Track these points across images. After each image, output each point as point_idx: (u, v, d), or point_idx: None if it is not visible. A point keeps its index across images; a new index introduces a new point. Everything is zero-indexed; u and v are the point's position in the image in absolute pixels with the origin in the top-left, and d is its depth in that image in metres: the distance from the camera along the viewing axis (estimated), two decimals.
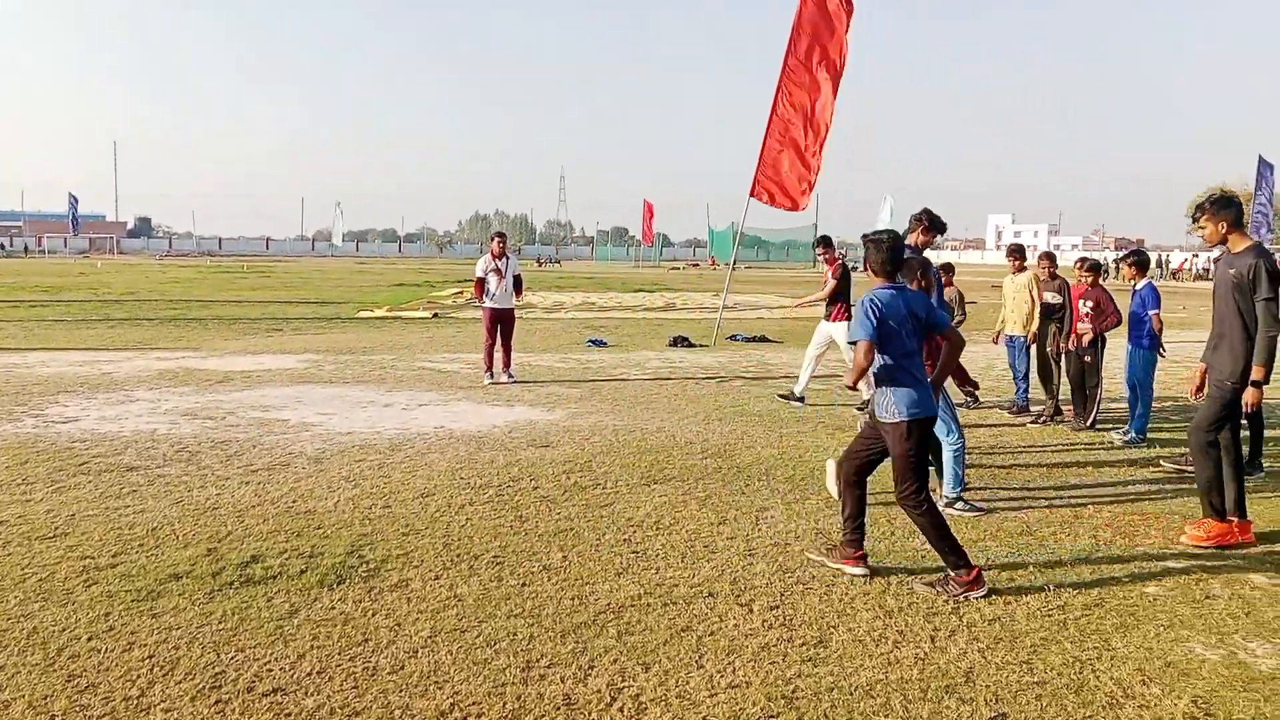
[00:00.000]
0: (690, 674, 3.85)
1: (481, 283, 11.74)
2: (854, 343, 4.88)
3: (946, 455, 6.30)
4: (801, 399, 10.34)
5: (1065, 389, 9.61)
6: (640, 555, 5.26)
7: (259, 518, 5.81)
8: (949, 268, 9.71)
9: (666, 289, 38.49)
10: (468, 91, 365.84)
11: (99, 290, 30.72)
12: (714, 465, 7.40)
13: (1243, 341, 5.62)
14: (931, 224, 6.93)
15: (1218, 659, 4.09)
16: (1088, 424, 9.11)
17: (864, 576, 4.94)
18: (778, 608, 4.55)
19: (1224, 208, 5.73)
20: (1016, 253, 10.45)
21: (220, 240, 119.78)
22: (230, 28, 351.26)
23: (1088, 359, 9.14)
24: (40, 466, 6.97)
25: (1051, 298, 9.70)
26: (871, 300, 4.87)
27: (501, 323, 11.69)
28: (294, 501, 6.19)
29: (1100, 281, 9.32)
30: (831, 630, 4.30)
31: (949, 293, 9.92)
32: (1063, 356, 9.54)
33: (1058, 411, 9.58)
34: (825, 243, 11.18)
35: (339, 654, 3.96)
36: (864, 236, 5.22)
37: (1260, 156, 35.37)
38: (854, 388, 5.38)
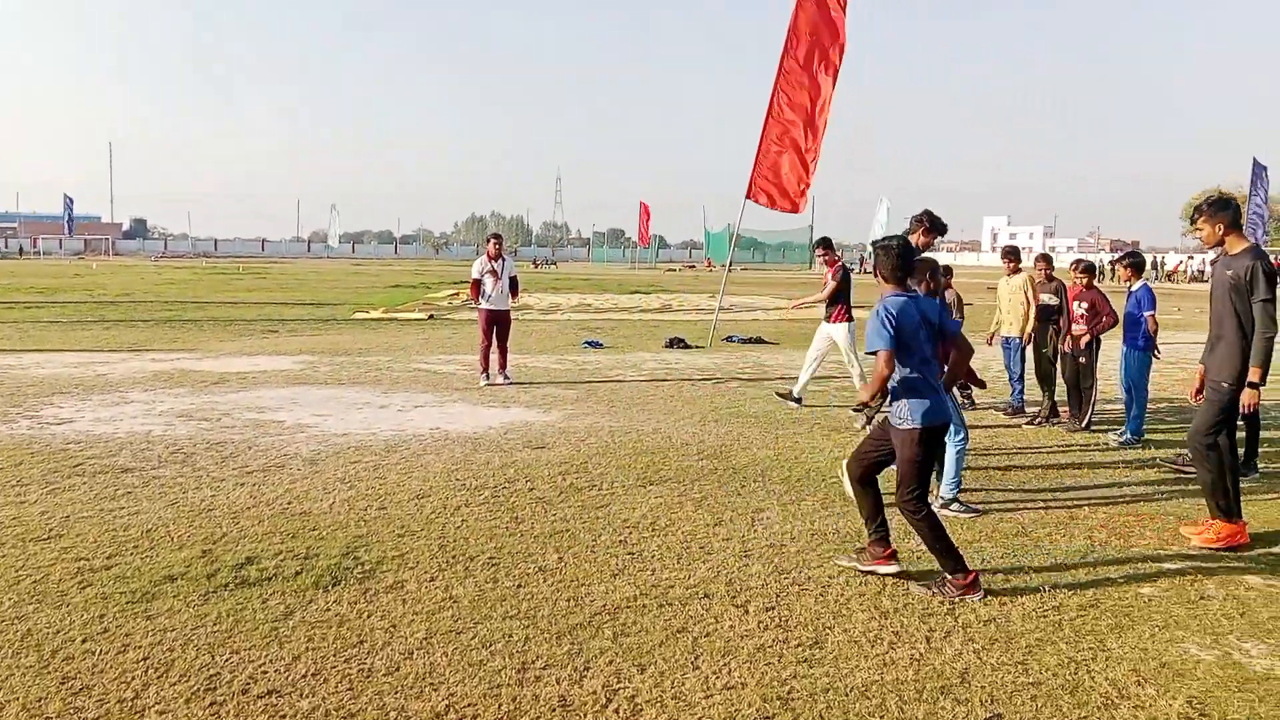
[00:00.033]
0: (686, 675, 3.85)
1: (477, 284, 11.74)
2: (872, 353, 4.79)
3: (949, 455, 6.30)
4: (799, 400, 10.34)
5: (1061, 390, 9.63)
6: (636, 556, 5.26)
7: (254, 519, 5.80)
8: (948, 270, 9.71)
9: (663, 290, 38.49)
10: (463, 92, 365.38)
11: (94, 291, 30.67)
12: (710, 467, 7.40)
13: (1239, 343, 5.64)
14: (932, 225, 6.95)
15: (1212, 659, 4.10)
16: (1083, 425, 9.13)
17: (898, 574, 4.93)
18: (773, 609, 4.55)
19: (1222, 209, 5.74)
20: (1011, 255, 10.47)
21: (216, 241, 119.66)
22: (228, 28, 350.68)
23: (1082, 360, 9.17)
24: (35, 468, 6.96)
25: (1049, 299, 9.72)
26: (885, 309, 4.82)
27: (497, 324, 11.69)
28: (289, 503, 6.18)
29: (1095, 283, 9.35)
30: (827, 631, 4.30)
31: (948, 295, 9.93)
32: (1059, 358, 9.56)
33: (1054, 413, 9.60)
34: (825, 244, 11.15)
35: (334, 656, 3.95)
36: (874, 243, 5.22)
37: (1255, 159, 35.51)
38: (868, 404, 5.17)
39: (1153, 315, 8.67)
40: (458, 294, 30.49)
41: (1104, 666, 4.00)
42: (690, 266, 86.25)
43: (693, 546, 5.45)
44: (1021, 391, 10.10)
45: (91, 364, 12.85)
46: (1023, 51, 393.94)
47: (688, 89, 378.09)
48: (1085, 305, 9.15)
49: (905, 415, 4.80)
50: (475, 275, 11.77)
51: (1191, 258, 70.30)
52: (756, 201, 16.27)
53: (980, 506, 6.34)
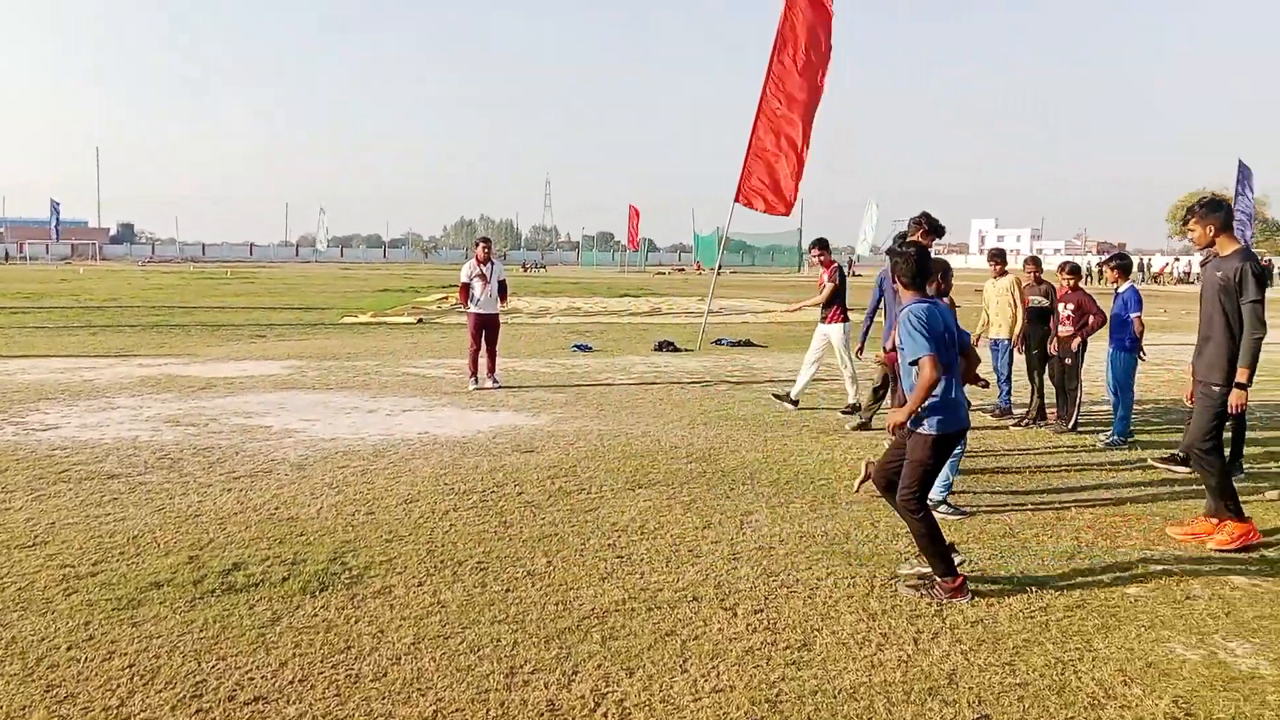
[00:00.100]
0: (674, 678, 3.85)
1: (466, 288, 11.72)
2: (914, 363, 4.71)
3: None
4: (795, 402, 10.36)
5: (1050, 393, 9.67)
6: (625, 560, 5.26)
7: (241, 525, 5.78)
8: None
9: (652, 294, 38.53)
10: (449, 94, 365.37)
11: (81, 297, 30.51)
12: (699, 470, 7.41)
13: (1227, 344, 5.68)
14: (931, 228, 6.99)
15: (1198, 659, 4.12)
16: (1069, 426, 9.17)
17: (961, 561, 4.95)
18: (762, 611, 4.56)
19: (1213, 211, 5.78)
20: (998, 257, 10.52)
21: (204, 246, 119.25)
22: (205, 30, 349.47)
23: (1068, 362, 9.21)
24: (20, 474, 6.91)
25: (1038, 302, 9.77)
26: (913, 315, 4.78)
27: (486, 328, 11.68)
28: (277, 508, 6.16)
29: (1080, 284, 9.41)
30: (815, 633, 4.31)
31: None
32: (1046, 360, 9.59)
33: (1041, 414, 9.64)
34: (821, 245, 11.04)
35: (321, 661, 3.94)
36: (888, 250, 5.21)
37: (1240, 160, 35.70)
38: (904, 424, 4.84)
39: (1139, 316, 8.73)
40: (446, 298, 30.43)
41: (1091, 667, 4.02)
42: (679, 270, 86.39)
43: (681, 550, 5.45)
44: (1009, 393, 10.14)
45: (78, 369, 12.78)
46: (1005, 54, 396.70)
47: (677, 92, 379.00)
48: (1071, 307, 9.20)
49: (923, 420, 4.79)
50: (464, 279, 11.75)
51: (1177, 259, 70.71)
52: (750, 206, 16.25)
53: (968, 508, 6.36)
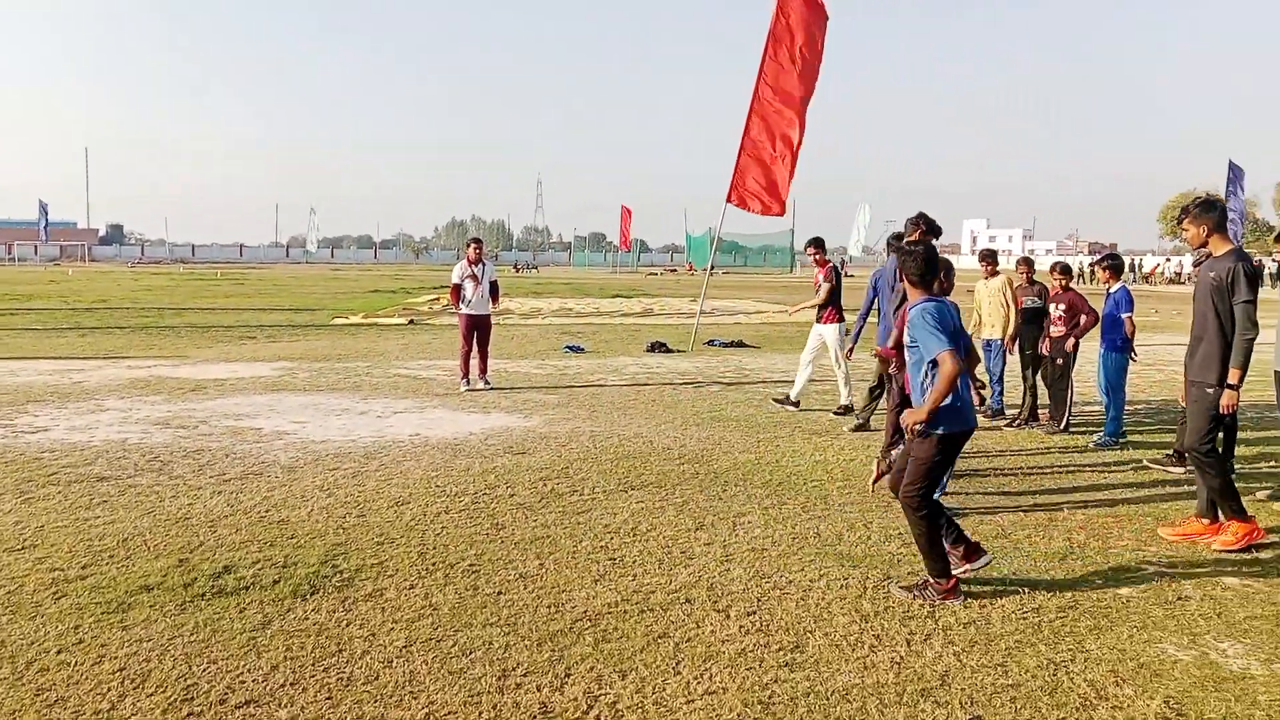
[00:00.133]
0: (667, 681, 3.84)
1: (458, 289, 11.70)
2: (934, 363, 4.69)
3: None
4: (796, 403, 10.36)
5: (1042, 393, 9.69)
6: (617, 562, 5.25)
7: (232, 528, 5.75)
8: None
9: (644, 294, 38.52)
10: (444, 94, 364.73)
11: (70, 298, 30.37)
12: (691, 471, 7.40)
13: (1219, 344, 5.70)
14: (929, 228, 7.02)
15: (1190, 660, 4.13)
16: (1061, 427, 9.19)
17: (989, 561, 4.98)
18: (754, 613, 4.55)
19: (1207, 211, 5.79)
20: (989, 258, 10.53)
21: (194, 247, 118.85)
22: (203, 30, 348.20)
23: (1059, 362, 9.24)
24: (8, 477, 6.87)
25: (1031, 302, 9.80)
26: (925, 313, 4.77)
27: (478, 329, 11.66)
28: (267, 511, 6.13)
29: (1071, 284, 9.44)
30: (808, 635, 4.31)
31: None
32: (1038, 361, 9.62)
33: (1033, 415, 9.66)
34: (818, 244, 10.98)
35: (312, 665, 3.92)
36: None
37: (1230, 161, 35.79)
38: (921, 424, 4.75)
39: (1130, 316, 8.76)
40: (438, 299, 30.39)
41: (1083, 667, 4.03)
42: (672, 270, 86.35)
43: (674, 551, 5.45)
44: (1001, 394, 10.16)
45: (67, 371, 12.72)
46: (1005, 51, 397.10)
47: (670, 92, 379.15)
48: (1063, 307, 9.23)
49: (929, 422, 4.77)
50: (456, 280, 11.74)
51: (1169, 260, 70.99)
52: (745, 208, 16.22)
53: (960, 509, 6.36)
